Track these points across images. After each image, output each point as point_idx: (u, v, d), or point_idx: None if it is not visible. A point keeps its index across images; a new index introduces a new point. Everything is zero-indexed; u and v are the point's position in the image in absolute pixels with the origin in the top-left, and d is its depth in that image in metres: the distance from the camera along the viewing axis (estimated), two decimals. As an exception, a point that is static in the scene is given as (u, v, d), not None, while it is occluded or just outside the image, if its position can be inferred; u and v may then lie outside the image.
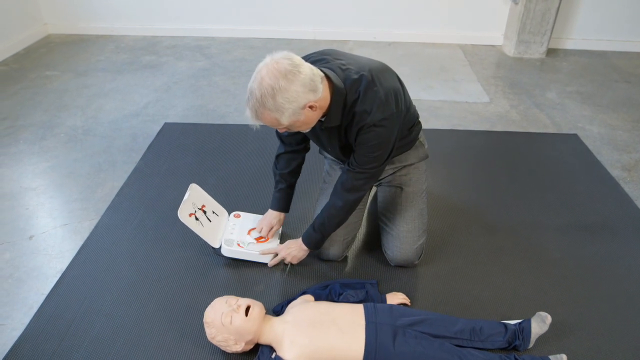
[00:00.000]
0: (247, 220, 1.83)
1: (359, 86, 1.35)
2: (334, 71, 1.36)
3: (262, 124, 1.32)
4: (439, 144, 2.50)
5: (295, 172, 1.71)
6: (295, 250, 1.64)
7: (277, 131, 1.66)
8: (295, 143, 1.65)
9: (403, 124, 1.49)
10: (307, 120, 1.33)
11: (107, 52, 3.68)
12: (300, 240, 1.63)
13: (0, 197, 2.07)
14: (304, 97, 1.25)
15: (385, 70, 1.45)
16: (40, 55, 3.60)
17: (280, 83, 1.21)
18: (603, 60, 3.70)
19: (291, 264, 1.69)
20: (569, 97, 3.09)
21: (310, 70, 1.27)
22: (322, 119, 1.40)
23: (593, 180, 2.23)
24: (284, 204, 1.74)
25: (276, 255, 1.69)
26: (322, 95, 1.30)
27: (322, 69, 1.36)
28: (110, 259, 1.74)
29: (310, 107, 1.28)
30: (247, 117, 1.31)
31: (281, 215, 1.76)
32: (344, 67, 1.38)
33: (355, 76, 1.36)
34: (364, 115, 1.35)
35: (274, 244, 1.74)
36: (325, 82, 1.33)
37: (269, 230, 1.75)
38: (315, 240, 1.60)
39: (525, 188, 2.18)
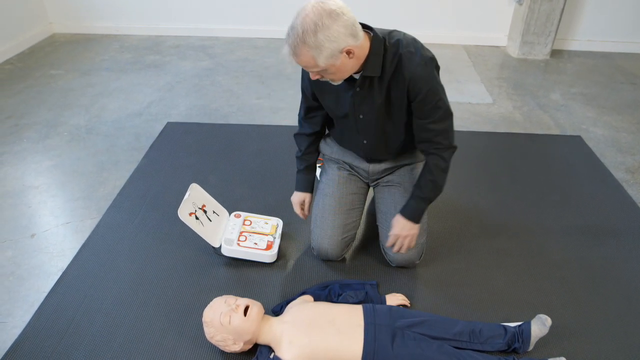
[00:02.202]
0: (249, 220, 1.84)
1: (397, 35, 1.40)
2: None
3: (297, 63, 1.31)
4: (441, 145, 2.49)
5: (311, 153, 1.72)
6: (407, 229, 1.56)
7: (299, 111, 1.68)
8: (313, 118, 1.66)
9: None
10: (342, 67, 1.32)
11: (111, 52, 3.70)
12: (405, 220, 1.56)
13: (3, 195, 2.08)
14: (344, 40, 1.26)
15: None
16: (45, 54, 3.62)
17: (324, 20, 1.23)
18: (608, 61, 3.68)
19: None
20: (573, 98, 3.08)
21: (354, 16, 1.28)
22: (358, 75, 1.40)
23: (596, 183, 2.22)
24: (304, 185, 1.74)
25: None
26: (361, 43, 1.31)
27: (362, 23, 1.38)
28: (111, 258, 1.75)
29: (348, 52, 1.29)
30: (283, 55, 1.31)
31: (306, 195, 1.75)
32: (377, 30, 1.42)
33: (389, 29, 1.42)
34: (411, 57, 1.36)
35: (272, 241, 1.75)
36: (365, 35, 1.35)
37: (301, 210, 1.76)
38: (421, 210, 1.56)
39: (528, 190, 2.17)
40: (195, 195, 1.74)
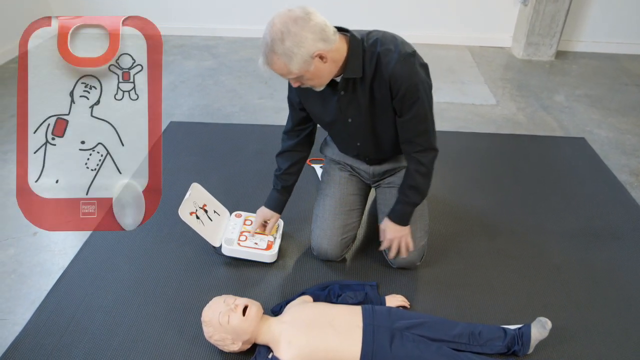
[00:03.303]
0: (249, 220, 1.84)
1: (375, 34, 1.38)
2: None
3: (273, 71, 1.32)
4: (444, 146, 2.46)
5: (290, 174, 1.68)
6: (400, 233, 1.57)
7: (285, 125, 1.65)
8: (299, 133, 1.63)
9: None
10: (318, 73, 1.31)
11: (115, 51, 3.71)
12: (394, 224, 1.57)
13: (7, 193, 2.10)
14: (313, 45, 1.25)
15: None
16: (50, 53, 3.64)
17: (290, 27, 1.23)
18: (613, 63, 3.66)
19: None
20: (577, 100, 3.06)
21: (323, 21, 1.28)
22: (339, 79, 1.38)
23: (599, 185, 2.21)
24: (275, 204, 1.71)
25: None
26: (334, 46, 1.30)
27: (339, 26, 1.37)
28: (112, 257, 1.76)
29: (321, 57, 1.28)
30: (259, 66, 1.32)
31: (273, 215, 1.72)
32: (356, 30, 1.41)
33: (369, 30, 1.40)
34: (388, 53, 1.34)
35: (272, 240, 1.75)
36: (341, 38, 1.34)
37: (260, 226, 1.73)
38: (408, 214, 1.56)
39: (530, 191, 2.16)
40: (196, 195, 1.74)
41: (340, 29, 1.36)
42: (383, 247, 1.61)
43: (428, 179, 1.52)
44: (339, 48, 1.32)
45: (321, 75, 1.33)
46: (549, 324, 1.39)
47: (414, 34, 3.91)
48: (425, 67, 1.42)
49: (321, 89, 1.40)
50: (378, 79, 1.37)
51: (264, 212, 1.72)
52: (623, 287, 1.66)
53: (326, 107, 1.49)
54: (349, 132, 1.55)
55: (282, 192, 1.70)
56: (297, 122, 1.62)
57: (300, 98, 1.53)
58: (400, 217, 1.56)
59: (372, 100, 1.43)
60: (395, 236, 1.58)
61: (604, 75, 3.44)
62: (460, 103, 2.97)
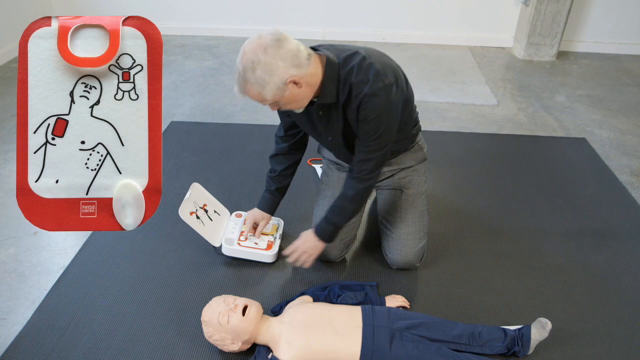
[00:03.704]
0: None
1: (353, 60, 1.34)
2: (328, 50, 1.36)
3: (248, 98, 1.31)
4: (444, 147, 2.48)
5: (284, 176, 1.68)
6: (310, 245, 1.56)
7: (277, 128, 1.66)
8: (292, 137, 1.63)
9: (404, 113, 1.46)
10: (293, 98, 1.31)
11: (117, 51, 3.71)
12: (312, 232, 1.57)
13: (8, 192, 2.10)
14: (285, 72, 1.24)
15: (385, 55, 1.44)
16: (51, 53, 3.65)
17: (260, 56, 1.22)
18: (615, 63, 3.65)
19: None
20: (578, 100, 3.05)
21: (296, 46, 1.26)
22: (316, 100, 1.38)
23: (600, 186, 2.20)
24: (267, 206, 1.71)
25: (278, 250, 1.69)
26: (308, 71, 1.28)
27: (316, 47, 1.36)
28: (112, 256, 1.76)
29: (295, 82, 1.27)
30: (234, 94, 1.32)
31: (265, 216, 1.72)
32: (338, 47, 1.39)
33: (350, 52, 1.36)
34: (361, 85, 1.32)
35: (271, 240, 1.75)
36: (317, 60, 1.32)
37: (252, 228, 1.74)
38: (330, 232, 1.55)
39: (531, 192, 2.15)
40: (197, 195, 1.74)
41: (317, 48, 1.35)
42: (287, 251, 1.60)
43: (353, 205, 1.50)
44: (314, 72, 1.31)
45: (298, 99, 1.33)
46: (549, 325, 1.39)
47: (415, 34, 3.91)
48: (403, 93, 1.40)
49: (300, 111, 1.40)
50: (350, 106, 1.37)
51: (254, 213, 1.72)
52: (624, 288, 1.66)
53: (310, 123, 1.51)
54: (332, 147, 1.57)
55: (275, 193, 1.70)
56: (288, 127, 1.64)
57: (287, 111, 1.54)
58: (320, 232, 1.55)
59: (345, 123, 1.44)
60: (302, 247, 1.56)
61: (606, 75, 3.44)
62: (461, 103, 2.97)
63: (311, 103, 1.40)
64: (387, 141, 1.41)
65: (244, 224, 1.81)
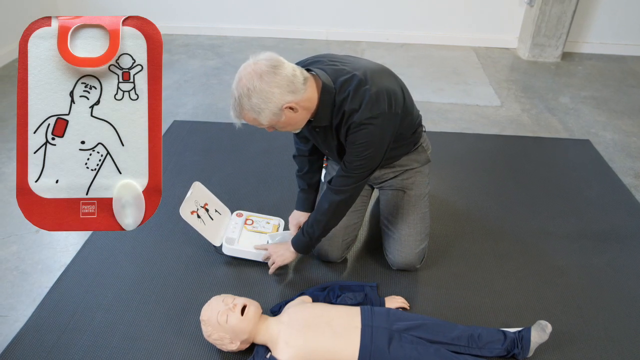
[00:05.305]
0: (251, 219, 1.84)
1: (350, 85, 1.34)
2: (325, 72, 1.36)
3: (245, 122, 1.34)
4: (447, 148, 2.48)
5: (311, 173, 1.69)
6: (282, 250, 1.61)
7: (294, 134, 1.67)
8: (304, 146, 1.66)
9: (402, 127, 1.47)
10: (290, 121, 1.33)
11: (121, 50, 3.73)
12: (289, 242, 1.61)
13: (11, 191, 2.11)
14: (280, 98, 1.25)
15: (383, 71, 1.43)
16: (56, 52, 3.66)
17: (255, 84, 1.23)
18: (620, 64, 3.62)
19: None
20: (583, 102, 3.04)
21: (292, 71, 1.27)
22: (312, 120, 1.40)
23: (604, 188, 2.19)
24: (303, 205, 1.71)
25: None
26: (305, 96, 1.29)
27: (313, 69, 1.36)
28: (113, 255, 1.77)
29: (291, 108, 1.28)
30: (231, 117, 1.33)
31: (303, 215, 1.71)
32: (337, 68, 1.38)
33: (347, 75, 1.36)
34: (352, 114, 1.34)
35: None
36: (313, 83, 1.33)
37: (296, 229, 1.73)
38: (303, 244, 1.57)
39: (534, 194, 2.14)
40: (198, 194, 1.74)
41: (313, 70, 1.36)
42: (264, 257, 1.66)
43: (323, 218, 1.50)
44: (310, 97, 1.32)
45: (294, 122, 1.34)
46: (549, 328, 1.38)
47: (419, 34, 3.90)
48: (396, 118, 1.40)
49: (298, 131, 1.43)
50: (341, 129, 1.39)
51: (295, 216, 1.71)
52: (626, 291, 1.65)
53: (309, 134, 1.54)
54: (335, 157, 1.57)
55: (309, 190, 1.70)
56: (300, 149, 1.67)
57: None
58: (295, 243, 1.58)
59: (339, 143, 1.46)
60: (276, 251, 1.61)
61: (610, 77, 3.42)
62: (465, 104, 2.96)
63: (309, 121, 1.41)
64: (371, 165, 1.43)
65: (245, 223, 1.81)
